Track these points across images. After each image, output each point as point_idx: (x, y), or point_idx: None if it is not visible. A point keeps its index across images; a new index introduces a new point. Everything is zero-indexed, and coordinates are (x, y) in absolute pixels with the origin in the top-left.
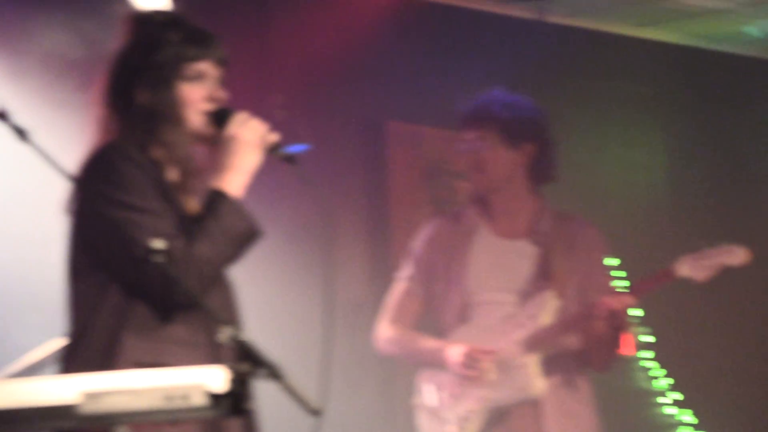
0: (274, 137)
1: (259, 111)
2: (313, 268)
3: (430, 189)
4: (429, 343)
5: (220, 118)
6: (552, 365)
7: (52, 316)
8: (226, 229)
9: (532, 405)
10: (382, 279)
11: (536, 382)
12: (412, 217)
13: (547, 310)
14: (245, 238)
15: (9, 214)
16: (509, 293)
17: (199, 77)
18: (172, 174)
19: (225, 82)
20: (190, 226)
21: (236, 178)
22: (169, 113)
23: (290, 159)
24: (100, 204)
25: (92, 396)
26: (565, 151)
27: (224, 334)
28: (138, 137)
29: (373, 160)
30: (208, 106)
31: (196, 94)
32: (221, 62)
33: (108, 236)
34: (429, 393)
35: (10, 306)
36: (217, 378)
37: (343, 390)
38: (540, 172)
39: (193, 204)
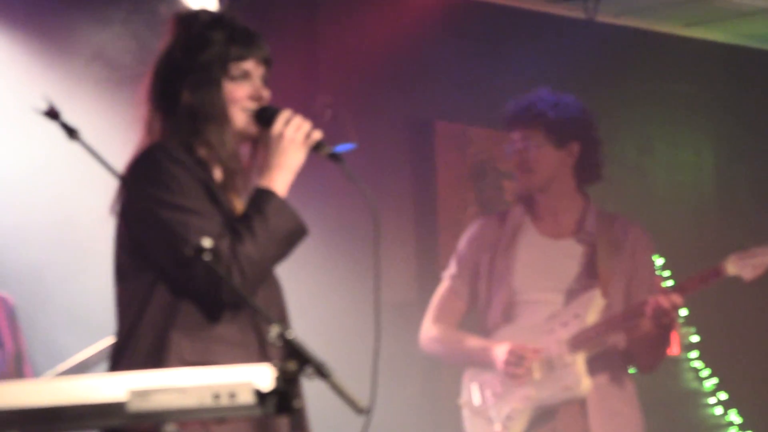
0: (318, 135)
1: (308, 110)
2: (360, 269)
3: (477, 189)
4: (474, 342)
5: (264, 116)
6: (598, 364)
7: (103, 315)
8: (272, 228)
9: (578, 404)
10: (429, 279)
11: (582, 381)
12: (459, 217)
13: (592, 309)
14: (292, 236)
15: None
16: (555, 292)
17: (243, 76)
18: (218, 173)
19: (271, 81)
20: (236, 226)
21: (282, 177)
22: (214, 113)
23: (334, 157)
24: (147, 205)
25: (140, 394)
26: (613, 150)
27: (272, 333)
28: (184, 137)
29: (421, 160)
30: (253, 105)
31: (241, 93)
32: (265, 61)
33: (156, 236)
34: (473, 392)
35: (61, 304)
36: (264, 376)
37: (388, 389)
38: (586, 171)
39: (239, 203)
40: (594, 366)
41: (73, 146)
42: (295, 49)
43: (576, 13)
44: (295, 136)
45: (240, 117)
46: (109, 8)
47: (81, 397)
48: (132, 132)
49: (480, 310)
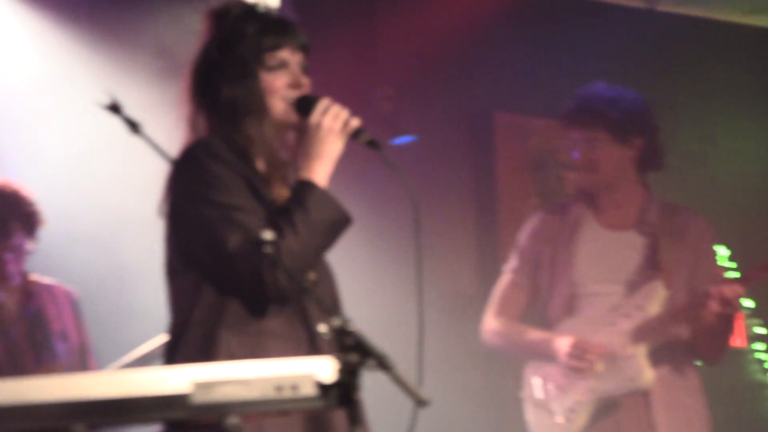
0: (356, 122)
1: (367, 102)
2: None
3: (537, 180)
4: (536, 334)
5: (304, 105)
6: (660, 356)
7: (163, 309)
8: (313, 219)
9: (641, 396)
10: (490, 270)
11: (645, 372)
12: (520, 209)
13: (655, 300)
14: (335, 226)
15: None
16: (616, 284)
17: (281, 65)
18: (261, 165)
19: (327, 73)
20: (277, 220)
21: (322, 167)
22: (252, 105)
23: (373, 144)
24: (191, 204)
25: (203, 386)
26: (675, 141)
27: (332, 324)
28: (226, 132)
29: (481, 151)
30: (293, 94)
31: (280, 83)
32: (302, 48)
33: (199, 235)
34: (536, 385)
35: (123, 298)
36: (325, 368)
37: (450, 382)
38: (648, 162)
39: (284, 193)
40: (657, 358)
41: (131, 141)
42: (355, 42)
43: (636, 2)
44: (333, 124)
45: (280, 106)
46: (174, 3)
47: (145, 389)
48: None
49: (541, 303)
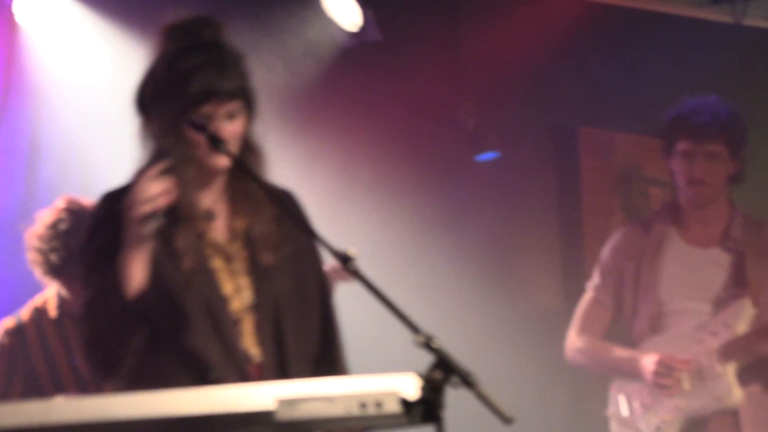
0: (148, 207)
1: (451, 118)
2: (503, 277)
3: (623, 196)
4: (621, 352)
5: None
6: (749, 374)
7: None
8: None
9: (730, 415)
10: (575, 286)
11: (734, 391)
12: (604, 225)
13: (742, 318)
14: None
15: None
16: (703, 302)
17: (207, 119)
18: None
19: (412, 89)
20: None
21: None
22: (176, 157)
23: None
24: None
25: (288, 403)
26: (763, 156)
27: (418, 340)
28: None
29: (565, 167)
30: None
31: (202, 138)
32: (232, 96)
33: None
34: (621, 403)
35: None
36: (410, 385)
37: (535, 399)
38: (738, 177)
39: (221, 231)
40: (746, 376)
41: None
42: (438, 58)
43: (723, 16)
44: (130, 209)
45: (203, 161)
46: (266, 31)
47: (230, 406)
48: (278, 143)
49: (626, 320)
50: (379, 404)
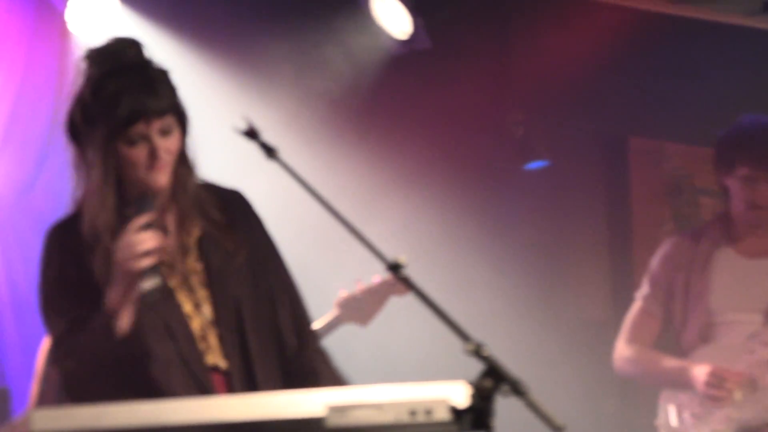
0: (145, 263)
1: (499, 127)
2: (555, 285)
3: (673, 206)
4: (671, 362)
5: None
6: None
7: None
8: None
9: None
10: (625, 296)
11: None
12: (654, 234)
13: None
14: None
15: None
16: (754, 313)
17: (140, 139)
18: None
19: (461, 98)
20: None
21: (110, 295)
22: (94, 189)
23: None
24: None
25: (338, 409)
26: None
27: (468, 349)
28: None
29: (615, 176)
30: (140, 173)
31: (138, 157)
32: (163, 113)
33: None
34: (671, 414)
35: None
36: (459, 393)
37: (584, 408)
38: None
39: (173, 249)
40: None
41: (270, 164)
42: (487, 66)
43: None
44: (122, 260)
45: (140, 178)
46: (309, 38)
47: (280, 412)
48: (328, 153)
49: (675, 330)
50: (428, 412)
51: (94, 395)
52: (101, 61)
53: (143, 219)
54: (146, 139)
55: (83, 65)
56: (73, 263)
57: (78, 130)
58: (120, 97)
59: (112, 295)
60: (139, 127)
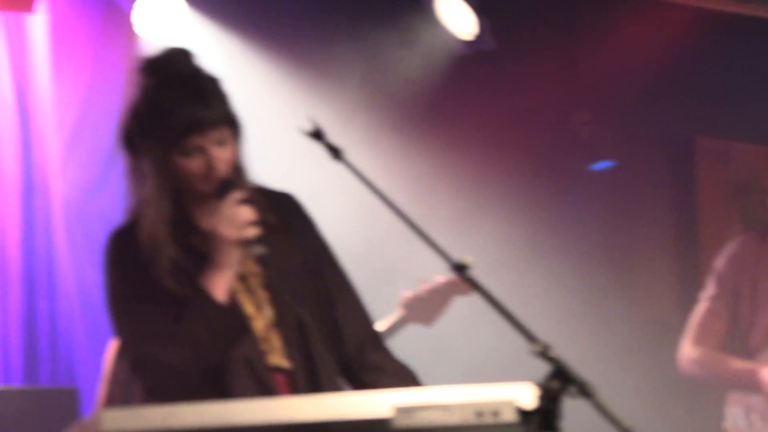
0: (252, 232)
1: (566, 127)
2: (615, 286)
3: (741, 206)
4: (738, 364)
5: (221, 191)
6: None
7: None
8: (193, 336)
9: None
10: (691, 298)
11: None
12: (722, 235)
13: None
14: (214, 344)
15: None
16: None
17: (196, 150)
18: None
19: (528, 98)
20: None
21: (219, 276)
22: (152, 197)
23: (264, 259)
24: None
25: (405, 410)
26: None
27: (534, 349)
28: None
29: (682, 176)
30: (207, 179)
31: (195, 168)
32: (218, 124)
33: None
34: (739, 416)
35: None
36: (526, 394)
37: (651, 410)
38: None
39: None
40: None
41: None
42: (553, 67)
43: None
44: (228, 233)
45: (200, 188)
46: (374, 38)
47: (348, 413)
48: (392, 153)
49: (742, 332)
50: (495, 413)
51: (171, 397)
52: (154, 72)
53: (238, 195)
54: (201, 150)
55: (138, 76)
56: (135, 271)
57: (132, 141)
58: (175, 109)
59: (215, 267)
60: (195, 139)
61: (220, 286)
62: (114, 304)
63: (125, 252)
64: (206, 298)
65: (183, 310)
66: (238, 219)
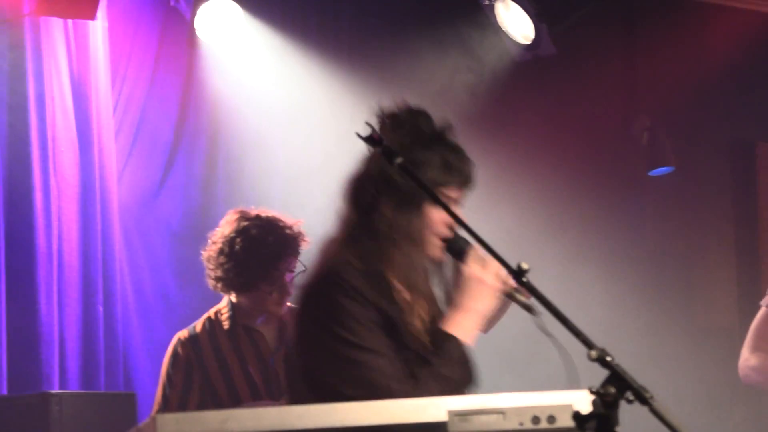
0: (513, 282)
1: (625, 133)
2: (671, 291)
3: None
4: None
5: (454, 246)
6: None
7: None
8: (451, 374)
9: None
10: (751, 304)
11: None
12: None
13: None
14: (459, 386)
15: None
16: None
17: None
18: (401, 294)
19: (590, 104)
20: (415, 371)
21: (468, 321)
22: (412, 236)
23: (529, 309)
24: (322, 335)
25: (461, 415)
26: None
27: (592, 355)
28: (370, 253)
29: (742, 182)
30: (445, 231)
31: (439, 218)
32: (468, 186)
33: (332, 368)
34: None
35: None
36: (582, 400)
37: (712, 416)
38: None
39: (419, 323)
40: None
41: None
42: (613, 72)
43: None
44: (491, 281)
45: (434, 242)
46: (432, 42)
47: (404, 417)
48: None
49: None
50: (551, 418)
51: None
52: (416, 126)
53: (479, 251)
54: (456, 204)
55: (381, 124)
56: (377, 304)
57: (372, 182)
58: (445, 159)
59: (484, 314)
60: (452, 191)
61: (469, 327)
62: (351, 325)
63: (367, 282)
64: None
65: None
66: (499, 272)
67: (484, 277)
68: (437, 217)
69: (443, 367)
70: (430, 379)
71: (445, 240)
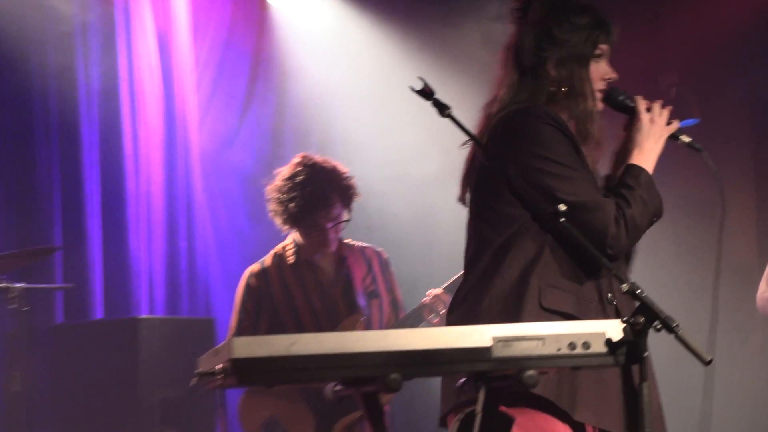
0: (677, 124)
1: (653, 88)
2: (705, 235)
3: None
4: None
5: (612, 96)
6: None
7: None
8: (647, 201)
9: None
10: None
11: None
12: None
13: None
14: (656, 214)
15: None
16: None
17: (601, 57)
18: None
19: (617, 61)
20: (620, 191)
21: (650, 158)
22: (582, 89)
23: (692, 146)
24: (533, 162)
25: (503, 341)
26: None
27: (624, 288)
28: (543, 103)
29: (763, 135)
30: (603, 84)
31: (598, 73)
32: (613, 43)
33: (544, 186)
34: None
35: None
36: (614, 329)
37: (731, 345)
38: None
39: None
40: None
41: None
42: (641, 30)
43: None
44: (662, 123)
45: (595, 95)
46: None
47: (451, 342)
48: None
49: None
50: (586, 344)
51: None
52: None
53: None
54: (602, 60)
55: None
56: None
57: (536, 48)
58: (596, 21)
59: (658, 152)
60: (604, 47)
61: (650, 165)
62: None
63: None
64: None
65: None
66: (665, 113)
67: (656, 120)
68: (597, 72)
69: (644, 192)
70: (634, 202)
71: (603, 91)
